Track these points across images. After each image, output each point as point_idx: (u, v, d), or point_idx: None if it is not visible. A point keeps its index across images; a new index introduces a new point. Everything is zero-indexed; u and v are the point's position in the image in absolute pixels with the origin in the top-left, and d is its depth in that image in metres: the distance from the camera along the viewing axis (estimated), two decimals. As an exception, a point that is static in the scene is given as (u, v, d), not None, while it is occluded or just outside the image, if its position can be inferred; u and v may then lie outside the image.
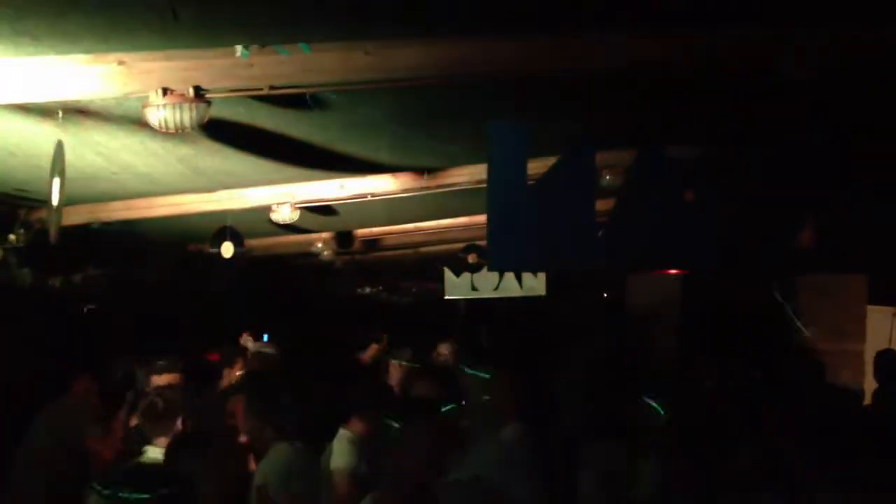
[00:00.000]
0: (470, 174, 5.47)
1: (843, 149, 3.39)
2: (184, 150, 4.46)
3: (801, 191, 3.26)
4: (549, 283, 9.74)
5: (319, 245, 8.18)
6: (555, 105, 4.02)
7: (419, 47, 3.15)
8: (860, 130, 4.45)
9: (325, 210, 6.35)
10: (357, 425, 4.04)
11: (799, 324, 6.53)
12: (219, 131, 4.03)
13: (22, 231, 5.08)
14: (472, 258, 9.19)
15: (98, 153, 4.35)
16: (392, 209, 6.64)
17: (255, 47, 2.99)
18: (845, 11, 3.01)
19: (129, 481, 1.95)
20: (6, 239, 5.06)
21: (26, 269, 5.36)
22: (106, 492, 1.91)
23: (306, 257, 9.03)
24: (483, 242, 7.51)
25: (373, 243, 8.90)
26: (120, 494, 1.90)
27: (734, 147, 3.32)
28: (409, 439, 2.61)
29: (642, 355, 6.76)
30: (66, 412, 4.50)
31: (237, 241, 6.46)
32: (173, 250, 7.84)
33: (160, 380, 4.16)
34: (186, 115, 3.18)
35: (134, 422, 4.05)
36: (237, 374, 5.19)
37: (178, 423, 3.61)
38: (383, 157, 5.09)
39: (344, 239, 8.24)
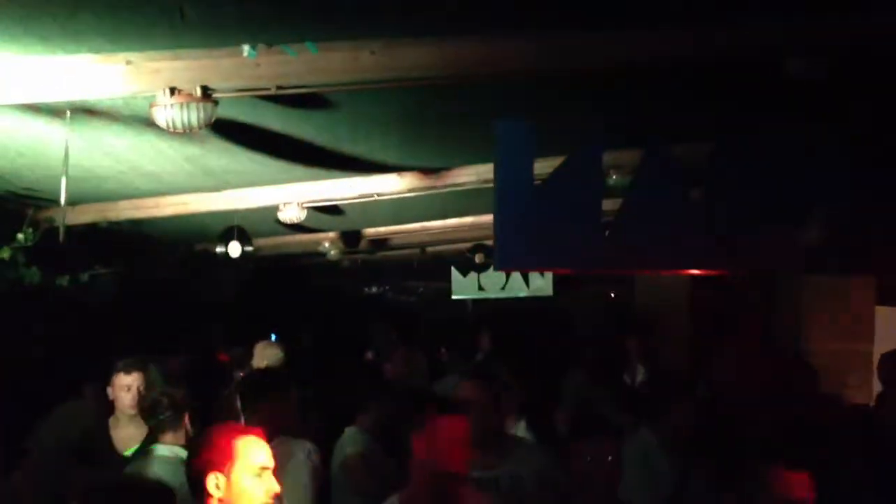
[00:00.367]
0: (477, 174, 5.47)
1: (853, 147, 3.38)
2: (191, 150, 4.47)
3: (810, 190, 3.25)
4: (556, 283, 9.75)
5: (326, 244, 8.19)
6: (562, 104, 4.02)
7: (426, 47, 3.15)
8: (870, 128, 4.44)
9: (332, 210, 6.36)
10: (365, 421, 4.06)
11: None
12: (226, 131, 4.04)
13: (30, 230, 5.10)
14: (478, 258, 9.20)
15: (106, 153, 4.37)
16: (399, 209, 6.64)
17: (262, 47, 3.00)
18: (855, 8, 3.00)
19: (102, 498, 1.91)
20: (15, 238, 5.07)
21: (35, 268, 5.38)
22: None
23: (313, 257, 9.04)
24: (490, 242, 7.51)
25: (379, 243, 8.90)
26: None
27: (742, 146, 3.30)
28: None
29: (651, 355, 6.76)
30: (74, 414, 4.50)
31: (245, 240, 6.48)
32: (181, 249, 7.86)
33: (127, 379, 4.12)
34: (194, 115, 3.18)
35: None
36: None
37: (186, 421, 3.61)
38: (390, 156, 5.10)
39: (351, 238, 8.25)
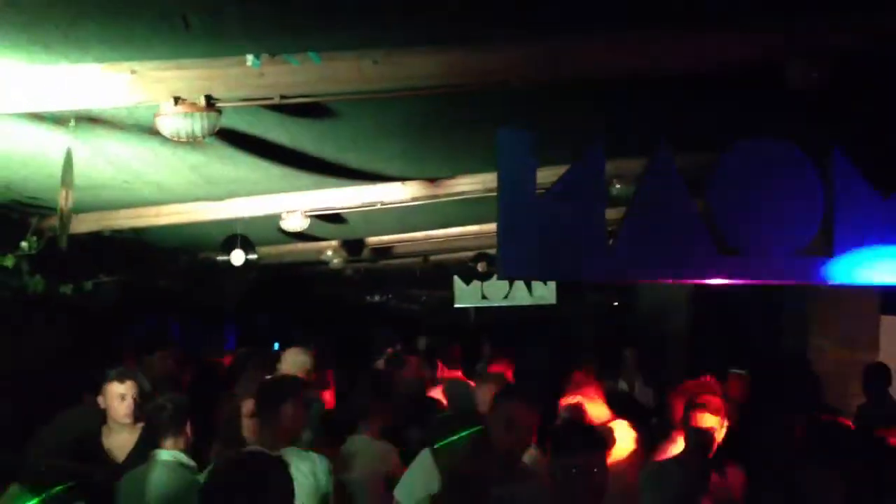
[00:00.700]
0: (480, 182, 5.47)
1: (859, 154, 3.38)
2: (195, 159, 4.48)
3: (815, 199, 3.24)
4: (560, 292, 9.74)
5: (329, 253, 8.20)
6: (565, 112, 4.03)
7: (429, 56, 3.16)
8: (873, 135, 4.44)
9: (334, 218, 6.36)
10: (373, 429, 4.06)
11: None
12: (229, 140, 4.05)
13: (34, 238, 5.11)
14: (481, 267, 9.20)
15: (109, 162, 4.38)
16: (402, 217, 6.65)
17: (265, 57, 3.01)
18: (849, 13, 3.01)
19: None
20: (18, 246, 5.09)
21: (38, 277, 5.39)
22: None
23: (316, 265, 9.05)
24: (493, 251, 7.51)
25: (382, 251, 8.91)
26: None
27: (747, 154, 3.30)
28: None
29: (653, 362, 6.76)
30: (75, 420, 4.49)
31: (248, 248, 6.48)
32: (184, 258, 7.87)
33: (121, 388, 4.07)
34: (198, 125, 3.19)
35: None
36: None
37: (188, 427, 3.60)
38: (393, 165, 5.10)
39: (354, 247, 8.25)
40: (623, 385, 6.62)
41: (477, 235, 8.05)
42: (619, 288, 10.54)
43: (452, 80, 3.32)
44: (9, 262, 5.05)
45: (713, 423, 3.52)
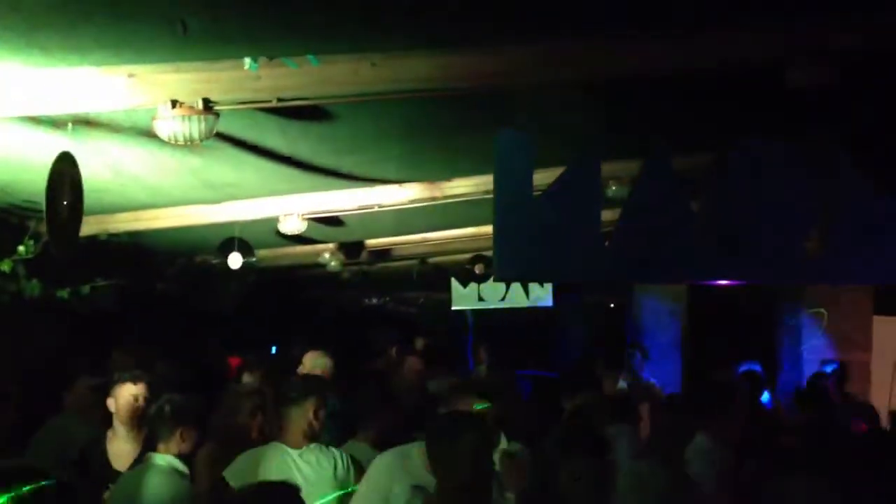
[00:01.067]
0: (476, 185, 5.48)
1: (855, 156, 3.40)
2: (192, 162, 4.49)
3: (810, 200, 3.26)
4: (556, 294, 9.75)
5: (327, 256, 8.20)
6: (561, 115, 4.04)
7: (426, 58, 3.17)
8: (868, 136, 4.46)
9: (332, 221, 6.37)
10: (370, 435, 4.05)
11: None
12: (227, 143, 4.06)
13: (31, 242, 5.10)
14: (478, 269, 9.21)
15: (107, 165, 4.38)
16: (399, 220, 6.66)
17: (263, 60, 3.02)
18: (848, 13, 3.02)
19: None
20: (15, 250, 5.08)
21: (35, 281, 5.39)
22: None
23: (313, 268, 9.05)
24: (489, 253, 7.53)
25: (380, 254, 8.91)
26: None
27: (743, 156, 3.32)
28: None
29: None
30: (65, 426, 4.47)
31: (246, 251, 6.48)
32: (181, 261, 7.86)
33: (134, 389, 4.02)
34: (195, 128, 3.20)
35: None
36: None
37: (186, 431, 3.56)
38: (390, 168, 5.11)
39: (351, 249, 8.26)
40: (623, 384, 6.64)
41: (474, 237, 8.07)
42: (616, 289, 10.56)
43: (450, 82, 3.33)
44: (6, 266, 5.04)
45: None
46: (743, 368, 6.15)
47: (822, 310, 5.94)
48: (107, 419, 4.15)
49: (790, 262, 3.22)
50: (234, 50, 2.98)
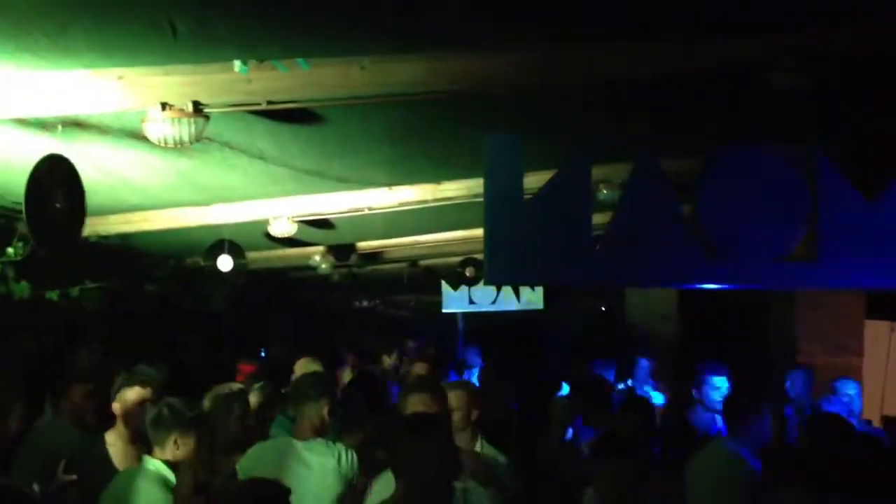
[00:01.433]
0: (467, 188, 5.49)
1: (844, 159, 3.42)
2: (182, 164, 4.48)
3: (800, 204, 3.28)
4: (547, 297, 9.76)
5: (317, 258, 8.19)
6: (551, 118, 4.05)
7: (415, 62, 3.18)
8: (858, 138, 4.48)
9: (322, 223, 6.36)
10: (358, 437, 4.05)
11: None
12: (217, 145, 4.05)
13: (20, 244, 5.08)
14: (469, 272, 9.22)
15: (97, 167, 4.36)
16: (389, 223, 6.65)
17: (253, 63, 3.02)
18: (836, 17, 3.04)
19: None
20: (4, 252, 5.05)
21: (24, 283, 5.36)
22: None
23: (303, 270, 9.04)
24: (480, 256, 7.53)
25: (370, 257, 8.91)
26: None
27: (732, 160, 3.33)
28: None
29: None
30: (52, 431, 4.42)
31: (235, 254, 6.47)
32: (171, 264, 7.84)
33: (143, 392, 3.97)
34: (185, 130, 3.19)
35: None
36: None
37: (178, 437, 3.50)
38: (380, 170, 5.11)
39: (341, 252, 8.25)
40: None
41: (465, 240, 8.07)
42: (608, 292, 10.59)
43: (439, 86, 3.34)
44: (-6, 267, 5.02)
45: None
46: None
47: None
48: (100, 422, 4.11)
49: (780, 266, 3.23)
50: (224, 53, 2.98)
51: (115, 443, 3.96)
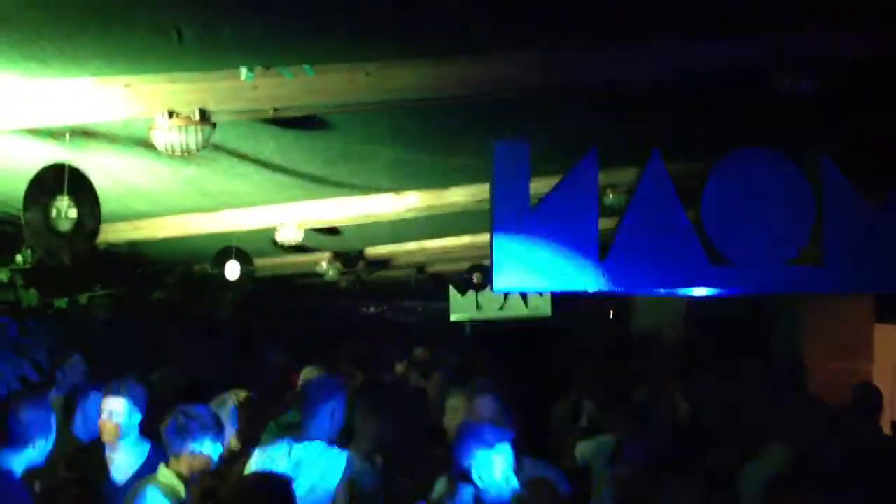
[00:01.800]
0: (474, 193, 5.48)
1: (852, 165, 3.39)
2: (189, 172, 4.49)
3: (808, 208, 3.26)
4: (555, 303, 9.73)
5: (324, 265, 8.20)
6: (558, 123, 4.05)
7: (421, 67, 3.18)
8: (865, 143, 4.46)
9: (329, 230, 6.37)
10: (361, 442, 4.05)
11: None
12: (224, 152, 4.06)
13: (28, 252, 5.11)
14: (476, 278, 9.20)
15: (105, 175, 4.39)
16: (396, 229, 6.66)
17: (259, 70, 3.03)
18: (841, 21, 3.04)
19: None
20: (13, 260, 5.08)
21: (33, 290, 5.38)
22: None
23: (310, 277, 9.05)
24: (488, 262, 7.51)
25: (377, 263, 8.91)
26: None
27: (740, 164, 3.31)
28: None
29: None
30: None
31: (243, 261, 6.48)
32: (179, 271, 7.87)
33: (112, 403, 3.99)
34: (192, 137, 3.20)
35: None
36: None
37: (193, 448, 3.47)
38: (386, 176, 5.12)
39: (348, 258, 8.25)
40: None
41: (473, 246, 8.06)
42: (616, 298, 10.55)
43: (445, 91, 3.34)
44: (3, 275, 5.04)
45: None
46: None
47: None
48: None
49: (786, 271, 3.21)
50: (231, 59, 2.99)
51: (113, 449, 4.02)
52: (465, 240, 7.86)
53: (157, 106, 3.16)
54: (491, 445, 3.31)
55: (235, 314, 8.78)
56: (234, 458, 3.95)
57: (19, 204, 4.89)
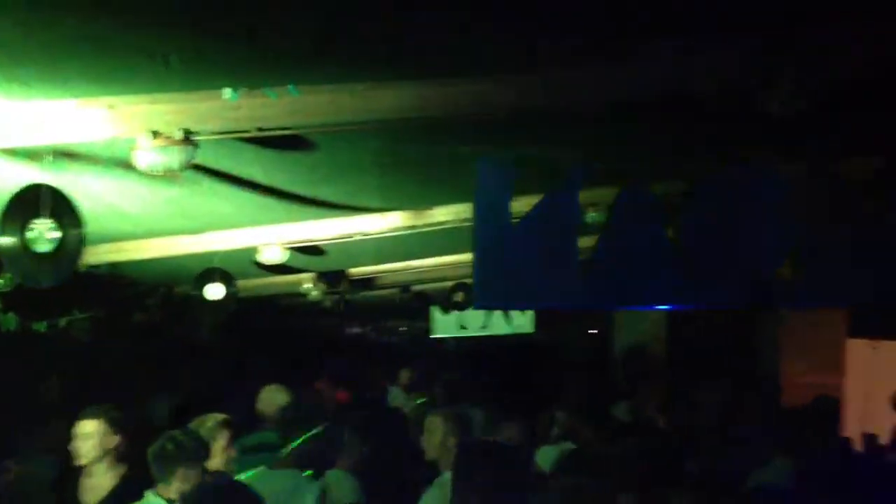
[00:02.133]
0: (457, 212, 5.51)
1: (823, 181, 3.46)
2: (171, 192, 4.49)
3: (781, 223, 3.31)
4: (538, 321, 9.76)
5: (308, 285, 8.18)
6: (540, 143, 4.08)
7: (405, 89, 3.21)
8: (840, 161, 4.54)
9: (313, 250, 6.37)
10: (346, 463, 4.03)
11: None
12: (207, 173, 4.07)
13: (8, 276, 5.06)
14: (459, 296, 9.23)
15: (86, 196, 4.36)
16: (380, 248, 6.67)
17: (243, 90, 3.05)
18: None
19: None
20: (-9, 284, 5.03)
21: (11, 314, 5.33)
22: None
23: (294, 297, 9.02)
24: (471, 280, 7.54)
25: (361, 282, 8.91)
26: None
27: (715, 181, 3.37)
28: None
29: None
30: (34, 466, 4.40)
31: (226, 282, 6.46)
32: (161, 292, 7.81)
33: (84, 426, 3.97)
34: (174, 158, 3.21)
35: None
36: None
37: (193, 470, 3.46)
38: (370, 196, 5.14)
39: (332, 278, 8.24)
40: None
41: (456, 265, 8.09)
42: (598, 315, 10.60)
43: (429, 112, 3.37)
44: (-19, 299, 5.00)
45: None
46: None
47: None
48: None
49: (764, 286, 3.26)
50: (215, 80, 3.01)
51: (88, 473, 4.00)
52: (450, 259, 7.88)
53: (139, 126, 3.16)
54: None
55: (219, 335, 8.72)
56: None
57: (-1, 226, 4.87)
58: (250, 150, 3.72)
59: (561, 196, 3.19)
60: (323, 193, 4.88)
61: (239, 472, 3.98)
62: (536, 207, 3.16)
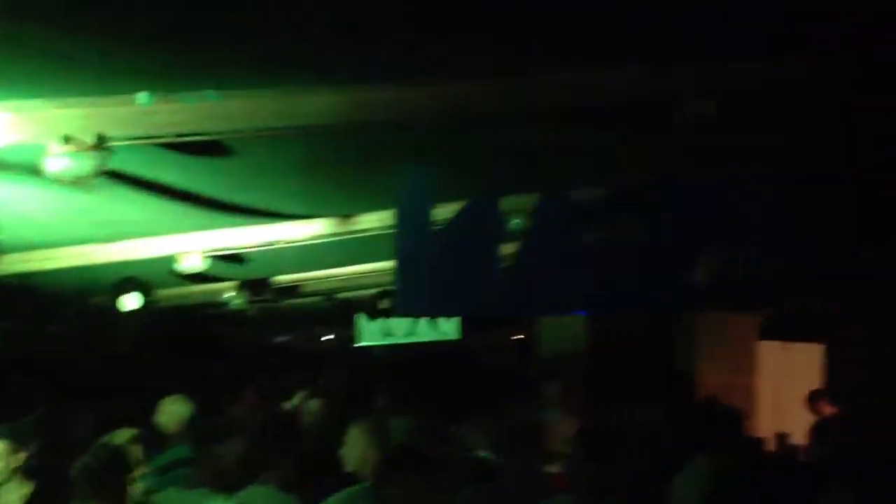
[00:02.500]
0: (382, 219, 5.51)
1: (739, 188, 3.58)
2: (84, 200, 4.34)
3: (696, 230, 3.43)
4: (464, 327, 9.80)
5: (230, 294, 8.03)
6: (463, 150, 4.13)
7: (326, 94, 3.20)
8: (758, 168, 4.72)
9: (235, 258, 6.26)
10: (276, 474, 3.95)
11: None
12: (121, 179, 3.96)
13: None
14: (384, 304, 9.19)
15: (-7, 203, 4.21)
16: (303, 256, 6.61)
17: (160, 94, 2.98)
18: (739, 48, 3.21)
19: None
20: None
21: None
22: None
23: (216, 307, 8.85)
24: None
25: (285, 291, 8.79)
26: None
27: (633, 188, 3.47)
28: None
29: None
30: None
31: (142, 291, 6.29)
32: (75, 304, 7.55)
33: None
34: (87, 164, 3.12)
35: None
36: None
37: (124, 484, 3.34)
38: (292, 203, 5.09)
39: (256, 287, 8.11)
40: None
41: (381, 272, 8.07)
42: (523, 321, 10.73)
43: (350, 118, 3.37)
44: None
45: None
46: None
47: None
48: None
49: (680, 291, 3.37)
50: (129, 84, 2.94)
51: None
52: (375, 266, 7.86)
53: (48, 132, 3.06)
54: None
55: (137, 346, 8.47)
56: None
57: None
58: (168, 155, 3.64)
59: (483, 203, 3.23)
60: (244, 200, 4.81)
61: (152, 490, 3.86)
62: (459, 214, 3.19)
